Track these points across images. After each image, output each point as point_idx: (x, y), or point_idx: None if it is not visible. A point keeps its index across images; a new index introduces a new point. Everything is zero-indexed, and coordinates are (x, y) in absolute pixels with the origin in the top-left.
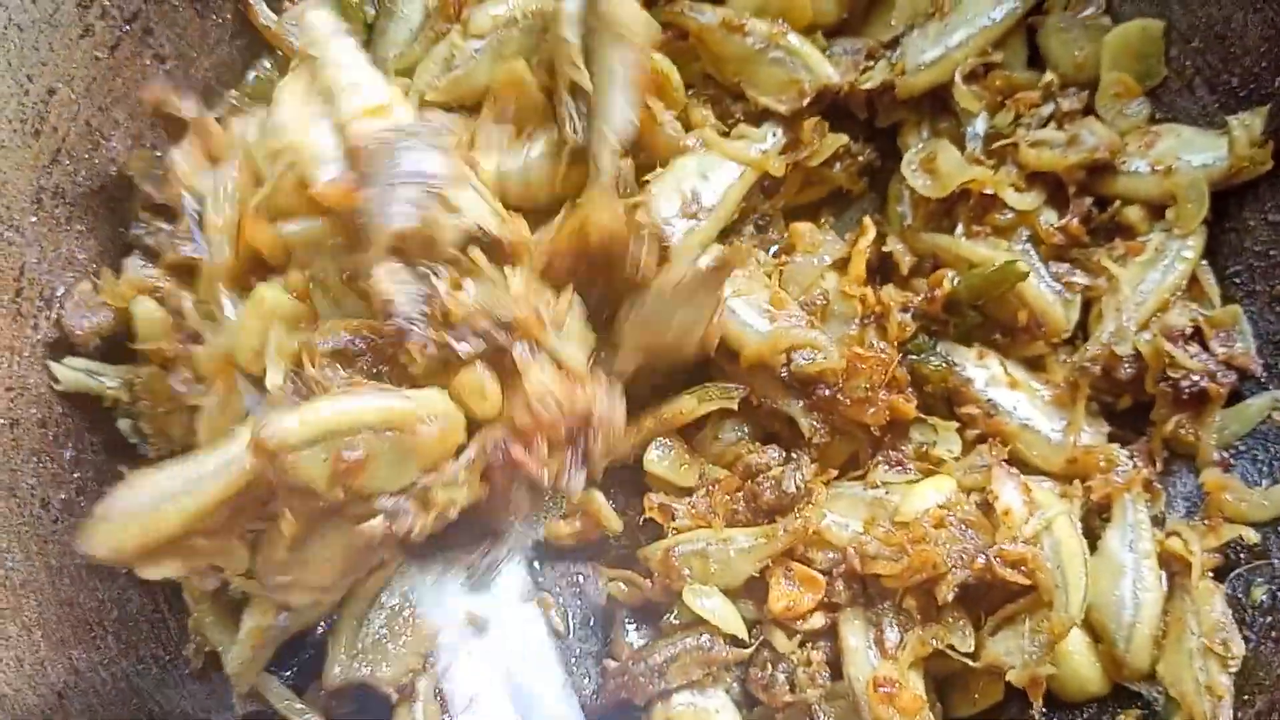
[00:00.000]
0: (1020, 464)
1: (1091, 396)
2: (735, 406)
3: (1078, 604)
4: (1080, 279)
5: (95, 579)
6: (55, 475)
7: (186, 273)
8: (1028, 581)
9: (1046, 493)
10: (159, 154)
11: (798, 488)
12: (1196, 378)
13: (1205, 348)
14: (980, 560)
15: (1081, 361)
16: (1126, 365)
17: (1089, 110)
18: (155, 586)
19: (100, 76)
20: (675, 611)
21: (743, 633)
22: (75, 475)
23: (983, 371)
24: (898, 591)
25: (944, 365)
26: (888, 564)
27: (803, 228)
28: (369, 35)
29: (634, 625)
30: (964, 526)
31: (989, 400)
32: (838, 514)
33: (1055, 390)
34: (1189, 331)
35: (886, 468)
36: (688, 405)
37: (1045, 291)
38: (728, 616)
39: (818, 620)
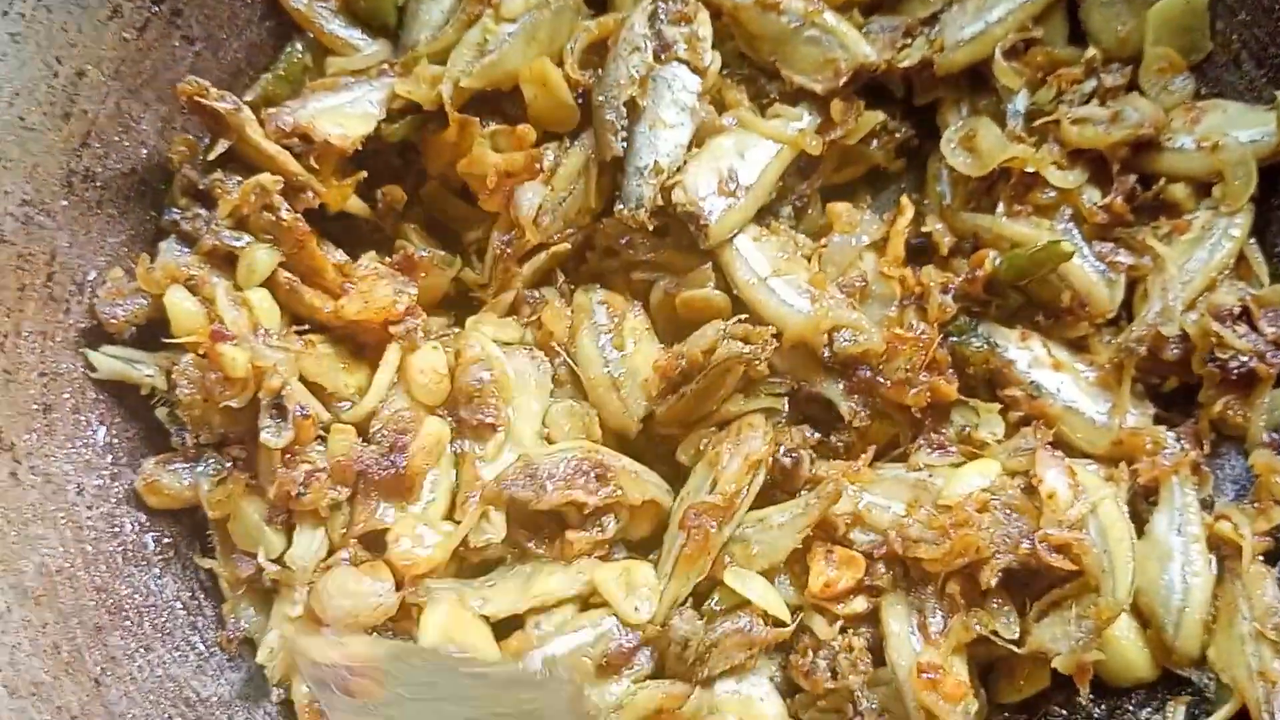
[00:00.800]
0: (1064, 447)
1: (1137, 378)
2: (783, 407)
3: (1125, 588)
4: (1124, 258)
5: (131, 566)
6: (89, 461)
7: (223, 259)
8: (1073, 566)
9: (1092, 476)
10: (197, 137)
11: (800, 464)
12: (1245, 358)
13: (1254, 327)
14: (1025, 545)
15: (1127, 342)
16: (1173, 346)
17: (1132, 86)
18: (192, 573)
19: (129, 58)
20: (716, 598)
21: (784, 613)
22: (109, 460)
23: (1025, 353)
24: (940, 576)
25: (986, 347)
26: (930, 548)
27: (840, 208)
28: (400, 19)
29: (677, 614)
30: (1008, 510)
31: (1032, 382)
32: (880, 496)
33: (1100, 372)
34: (1237, 311)
35: (929, 450)
36: (734, 405)
37: (1089, 271)
38: (769, 597)
39: (859, 604)
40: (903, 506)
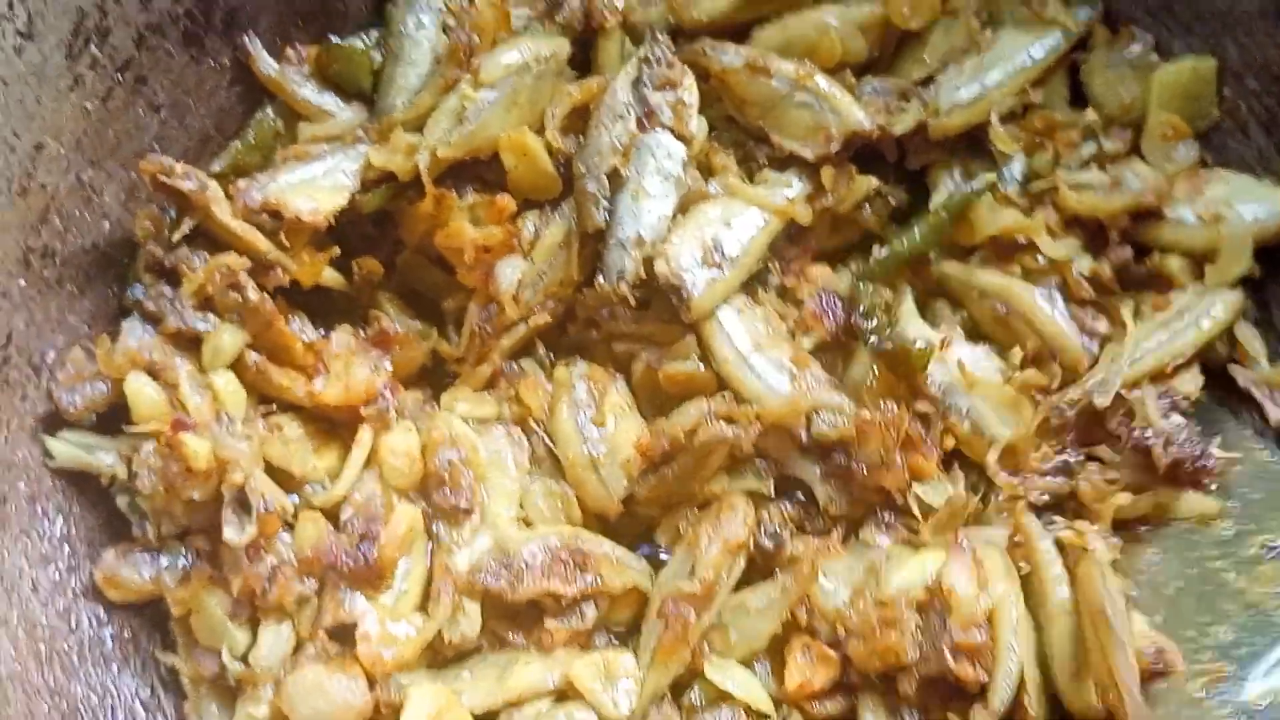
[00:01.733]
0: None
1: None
2: (770, 492)
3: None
4: (1103, 327)
5: (88, 664)
6: (44, 555)
7: (188, 340)
8: (984, 677)
9: (999, 563)
10: (162, 210)
11: (782, 546)
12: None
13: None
14: (945, 650)
15: (1060, 403)
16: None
17: (1132, 151)
18: (151, 669)
19: (91, 129)
20: (698, 690)
21: (768, 706)
22: (66, 552)
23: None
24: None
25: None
26: (857, 644)
27: (815, 273)
28: (375, 84)
29: (655, 709)
30: (934, 611)
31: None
32: (834, 575)
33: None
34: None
35: (876, 530)
36: (718, 485)
37: (1066, 331)
38: (752, 690)
39: (836, 705)
40: (848, 593)
